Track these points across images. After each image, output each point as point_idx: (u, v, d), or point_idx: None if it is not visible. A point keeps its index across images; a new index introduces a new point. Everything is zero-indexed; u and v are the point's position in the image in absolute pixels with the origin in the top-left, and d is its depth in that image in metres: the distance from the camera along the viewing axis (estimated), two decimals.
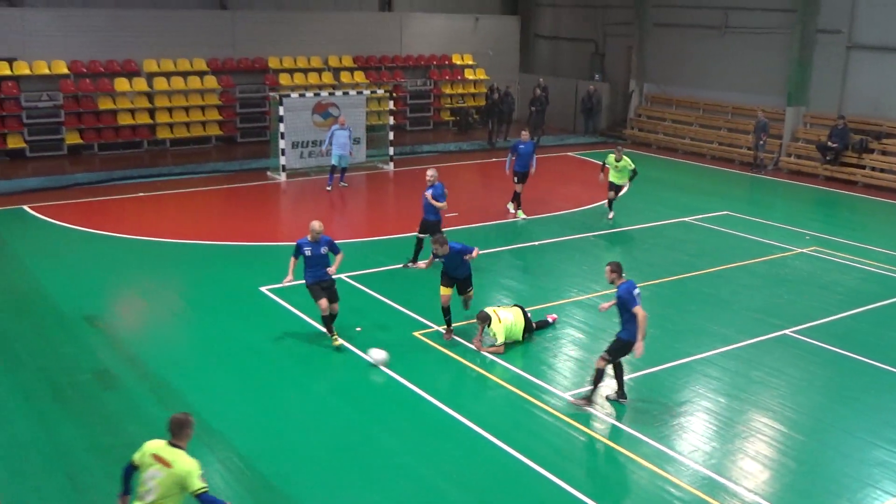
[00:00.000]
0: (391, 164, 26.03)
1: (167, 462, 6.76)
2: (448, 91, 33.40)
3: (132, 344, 12.99)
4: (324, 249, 12.48)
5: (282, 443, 10.18)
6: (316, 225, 12.46)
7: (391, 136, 26.16)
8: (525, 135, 21.02)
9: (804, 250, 18.54)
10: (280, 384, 11.79)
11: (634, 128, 32.36)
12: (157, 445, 6.90)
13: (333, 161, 22.59)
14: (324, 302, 12.30)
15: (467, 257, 12.86)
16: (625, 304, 10.71)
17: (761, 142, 26.70)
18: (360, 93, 26.18)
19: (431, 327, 13.47)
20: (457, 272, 13.00)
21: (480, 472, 9.64)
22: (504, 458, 9.87)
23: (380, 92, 27.76)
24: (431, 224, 15.78)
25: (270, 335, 13.25)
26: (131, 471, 7.02)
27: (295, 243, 12.53)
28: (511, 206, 20.77)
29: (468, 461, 9.89)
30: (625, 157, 20.05)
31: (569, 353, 12.98)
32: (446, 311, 12.96)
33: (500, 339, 12.52)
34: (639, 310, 10.54)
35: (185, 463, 6.72)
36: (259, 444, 10.06)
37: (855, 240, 19.45)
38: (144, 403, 10.99)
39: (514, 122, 31.56)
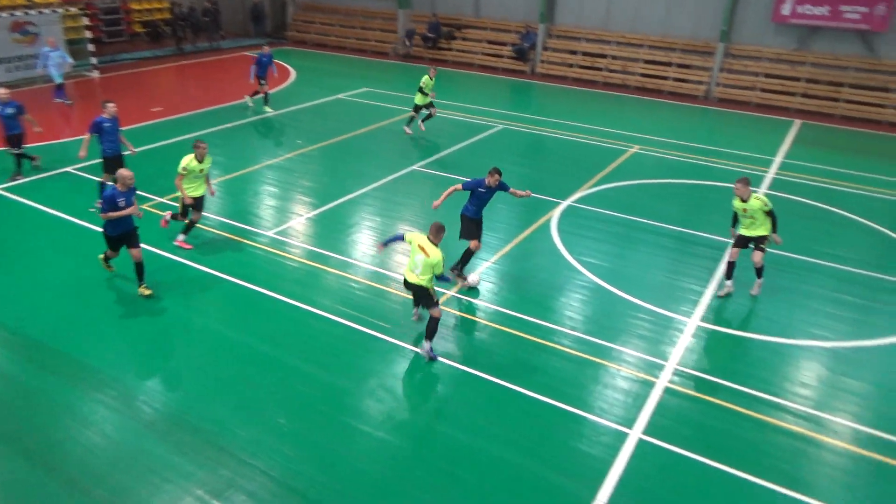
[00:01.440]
0: (96, 72, 22.50)
1: (427, 252, 7.85)
2: (137, 7, 29.01)
3: None
4: (132, 198, 8.96)
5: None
6: (127, 174, 8.80)
7: (91, 47, 22.45)
8: (266, 48, 18.65)
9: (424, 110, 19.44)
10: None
11: (293, 30, 30.79)
12: (422, 239, 8.01)
13: (57, 80, 18.78)
14: (135, 251, 9.09)
15: None
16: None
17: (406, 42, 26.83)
18: (54, 11, 21.84)
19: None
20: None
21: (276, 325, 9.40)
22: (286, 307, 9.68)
23: (73, 10, 23.37)
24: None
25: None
26: (399, 239, 8.34)
27: (105, 197, 8.70)
28: (249, 100, 18.85)
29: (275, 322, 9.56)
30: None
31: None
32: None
33: None
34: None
35: (436, 255, 7.84)
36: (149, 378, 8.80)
37: (450, 99, 20.76)
38: None
39: (220, 30, 28.69)
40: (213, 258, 10.30)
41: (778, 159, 16.56)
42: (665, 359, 8.40)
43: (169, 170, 14.30)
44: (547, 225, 12.05)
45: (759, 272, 9.90)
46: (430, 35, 26.98)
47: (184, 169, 10.16)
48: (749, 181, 9.57)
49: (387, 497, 6.26)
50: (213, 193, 10.84)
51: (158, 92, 20.61)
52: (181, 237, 10.59)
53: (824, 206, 13.56)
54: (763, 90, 22.29)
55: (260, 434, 6.89)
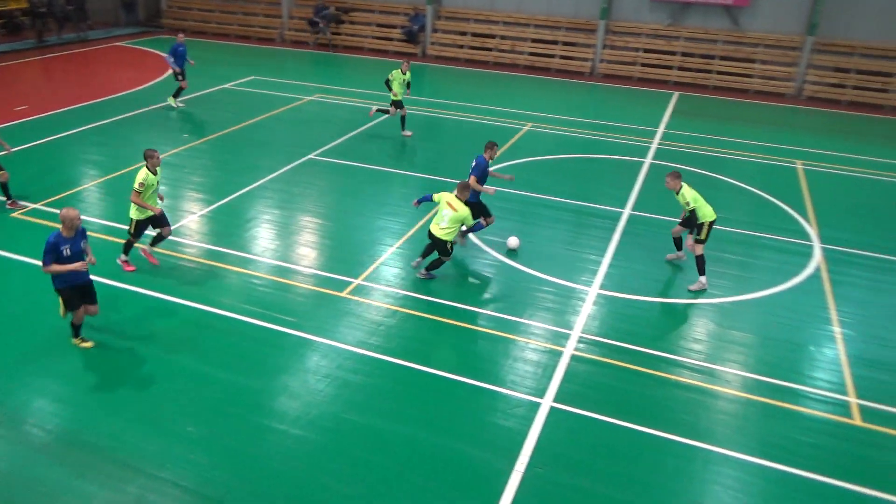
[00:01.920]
0: None
1: (455, 208, 9.17)
2: None
3: None
4: (83, 243, 7.51)
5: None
6: (72, 213, 7.24)
7: None
8: (181, 36, 17.47)
9: (312, 98, 19.01)
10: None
11: (169, 18, 29.11)
12: (450, 196, 9.30)
13: None
14: (92, 308, 7.75)
15: None
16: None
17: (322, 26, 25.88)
18: None
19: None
20: None
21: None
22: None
23: None
24: None
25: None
26: (429, 199, 9.67)
27: (47, 246, 7.16)
28: (173, 101, 17.40)
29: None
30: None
31: None
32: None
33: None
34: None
35: (463, 209, 9.18)
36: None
37: (343, 85, 20.41)
38: None
39: (88, 20, 26.53)
40: (98, 264, 9.64)
41: (660, 130, 17.48)
42: (570, 328, 8.72)
43: (48, 169, 13.26)
44: None
45: (697, 260, 9.74)
46: (316, 20, 26.32)
47: (140, 185, 9.12)
48: (679, 174, 9.61)
49: (305, 494, 6.14)
50: (162, 199, 9.82)
51: (21, 89, 18.94)
52: (124, 257, 9.66)
53: (702, 172, 14.46)
54: (643, 65, 23.39)
55: (167, 445, 6.56)
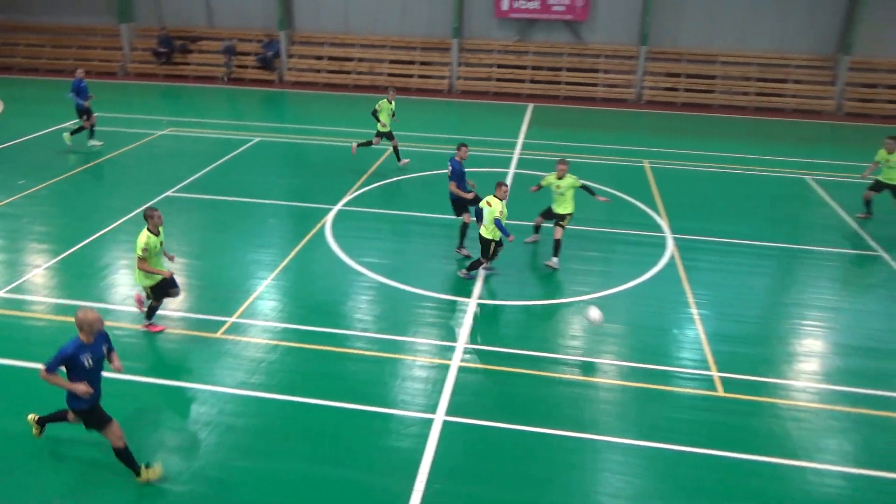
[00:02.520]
0: None
1: (490, 204, 9.87)
2: None
3: None
4: (105, 348, 6.31)
5: None
6: (90, 316, 5.99)
7: None
8: (80, 72, 16.12)
9: (164, 132, 18.07)
10: None
11: None
12: (489, 197, 9.96)
13: None
14: (116, 429, 6.25)
15: None
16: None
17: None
18: None
19: None
20: None
21: None
22: None
23: None
24: None
25: None
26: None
27: (61, 353, 5.91)
28: (68, 139, 16.14)
29: None
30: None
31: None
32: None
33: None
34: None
35: (496, 205, 9.83)
36: None
37: (197, 117, 19.57)
38: None
39: None
40: None
41: (520, 140, 18.28)
42: (454, 340, 8.84)
43: None
44: (321, 232, 11.95)
45: (556, 248, 10.80)
46: (161, 50, 25.09)
47: (144, 250, 8.10)
48: (567, 163, 10.87)
49: None
50: (172, 258, 8.78)
51: None
52: (148, 322, 8.75)
53: None
54: (498, 80, 24.39)
55: None
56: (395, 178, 14.83)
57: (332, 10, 25.12)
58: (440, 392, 7.81)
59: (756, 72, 23.23)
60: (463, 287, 10.21)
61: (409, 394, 7.78)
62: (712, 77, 23.50)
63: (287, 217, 12.75)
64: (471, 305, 9.71)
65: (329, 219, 12.53)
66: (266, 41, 25.11)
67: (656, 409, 7.69)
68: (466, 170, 11.42)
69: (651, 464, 6.89)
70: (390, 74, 24.60)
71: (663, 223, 12.87)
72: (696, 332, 9.25)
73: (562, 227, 10.90)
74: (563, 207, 10.92)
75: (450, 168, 10.97)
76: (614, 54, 24.14)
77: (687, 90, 23.59)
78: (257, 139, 17.55)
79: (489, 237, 10.10)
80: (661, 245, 11.93)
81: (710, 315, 9.67)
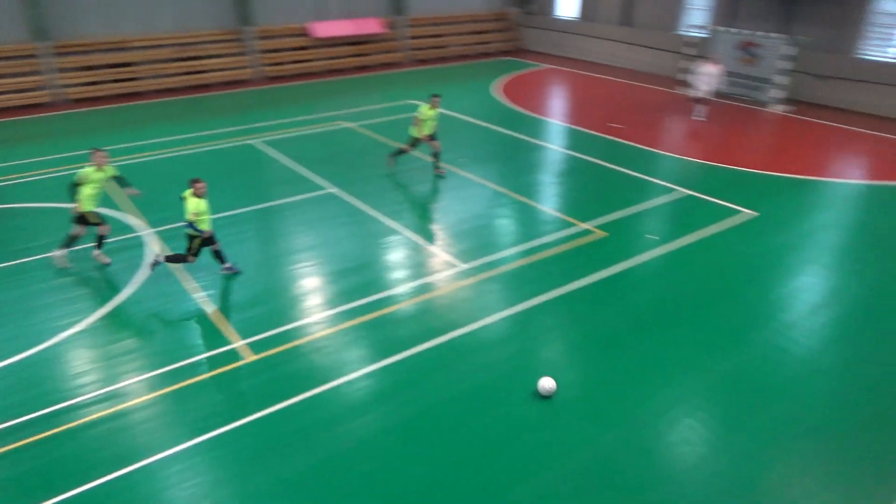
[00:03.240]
0: None
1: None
2: None
3: None
4: None
5: None
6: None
7: None
8: None
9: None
10: None
11: None
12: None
13: None
14: None
15: None
16: None
17: None
18: None
19: None
20: None
21: None
22: None
23: None
24: None
25: None
26: None
27: None
28: None
29: None
30: None
31: None
32: None
33: None
34: None
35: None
36: None
37: None
38: None
39: None
40: None
41: None
42: None
43: None
44: None
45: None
46: None
47: None
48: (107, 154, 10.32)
49: None
50: None
51: None
52: None
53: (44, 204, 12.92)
54: None
55: None
56: None
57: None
58: None
59: (174, 52, 23.47)
60: None
61: None
62: (132, 64, 22.77)
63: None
64: None
65: None
66: None
67: (195, 402, 7.51)
68: None
69: (214, 453, 6.78)
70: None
71: (138, 222, 12.23)
72: (206, 313, 9.26)
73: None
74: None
75: None
76: (12, 55, 21.00)
77: (113, 81, 22.38)
78: None
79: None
80: (141, 244, 11.36)
81: (217, 292, 9.79)
